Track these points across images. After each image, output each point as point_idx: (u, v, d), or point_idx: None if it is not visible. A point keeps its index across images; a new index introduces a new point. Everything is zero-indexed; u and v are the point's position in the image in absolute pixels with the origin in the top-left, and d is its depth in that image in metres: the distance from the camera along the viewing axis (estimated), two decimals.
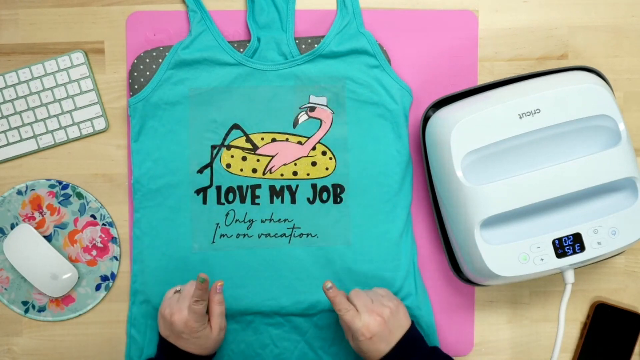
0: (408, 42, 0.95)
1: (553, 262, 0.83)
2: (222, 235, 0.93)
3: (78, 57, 0.94)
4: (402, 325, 0.83)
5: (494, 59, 0.96)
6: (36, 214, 0.95)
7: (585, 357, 0.95)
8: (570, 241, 0.83)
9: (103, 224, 0.95)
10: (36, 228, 0.94)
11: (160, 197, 0.93)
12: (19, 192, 0.95)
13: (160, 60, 0.92)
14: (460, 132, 0.83)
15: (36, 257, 0.92)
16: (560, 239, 0.83)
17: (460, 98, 0.89)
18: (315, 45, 0.92)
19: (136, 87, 0.93)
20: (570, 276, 0.86)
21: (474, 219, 0.83)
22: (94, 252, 0.95)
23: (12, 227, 0.95)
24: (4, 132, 0.94)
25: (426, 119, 0.89)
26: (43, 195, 0.95)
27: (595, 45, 0.96)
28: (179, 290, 0.87)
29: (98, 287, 0.95)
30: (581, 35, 0.96)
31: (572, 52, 0.96)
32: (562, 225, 0.84)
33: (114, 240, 0.95)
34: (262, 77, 0.92)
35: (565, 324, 0.86)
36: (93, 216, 0.95)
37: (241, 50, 0.92)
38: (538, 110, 0.82)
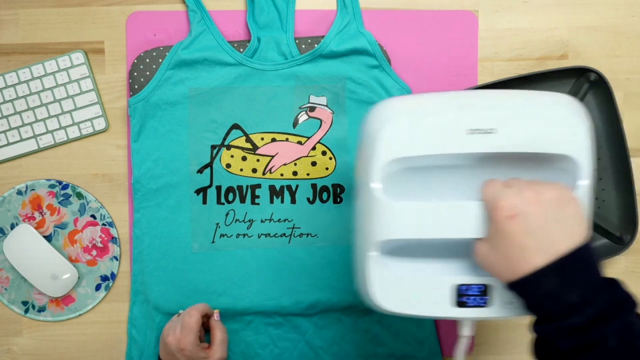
0: (408, 42, 0.95)
1: (448, 310, 0.68)
2: (222, 235, 0.93)
3: (78, 57, 0.94)
4: (569, 234, 0.59)
5: (494, 59, 0.96)
6: (36, 214, 0.95)
7: None
8: (475, 291, 0.69)
9: (103, 224, 0.95)
10: (36, 228, 0.94)
11: (160, 197, 0.93)
12: (19, 192, 0.94)
13: (160, 60, 0.92)
14: (394, 132, 0.66)
15: (36, 257, 0.92)
16: (465, 286, 0.68)
17: None
18: (315, 45, 0.92)
19: (136, 87, 0.93)
20: (466, 329, 0.70)
21: (371, 237, 0.68)
22: (94, 252, 0.95)
23: (12, 227, 0.95)
24: (4, 132, 0.94)
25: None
26: (43, 195, 0.95)
27: (595, 45, 0.96)
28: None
29: (98, 287, 0.95)
30: (581, 35, 0.96)
31: (572, 52, 0.96)
32: (470, 271, 0.69)
33: (114, 240, 0.95)
34: (262, 77, 0.92)
35: None
36: (93, 216, 0.95)
37: (241, 50, 0.92)
38: (493, 130, 0.65)
